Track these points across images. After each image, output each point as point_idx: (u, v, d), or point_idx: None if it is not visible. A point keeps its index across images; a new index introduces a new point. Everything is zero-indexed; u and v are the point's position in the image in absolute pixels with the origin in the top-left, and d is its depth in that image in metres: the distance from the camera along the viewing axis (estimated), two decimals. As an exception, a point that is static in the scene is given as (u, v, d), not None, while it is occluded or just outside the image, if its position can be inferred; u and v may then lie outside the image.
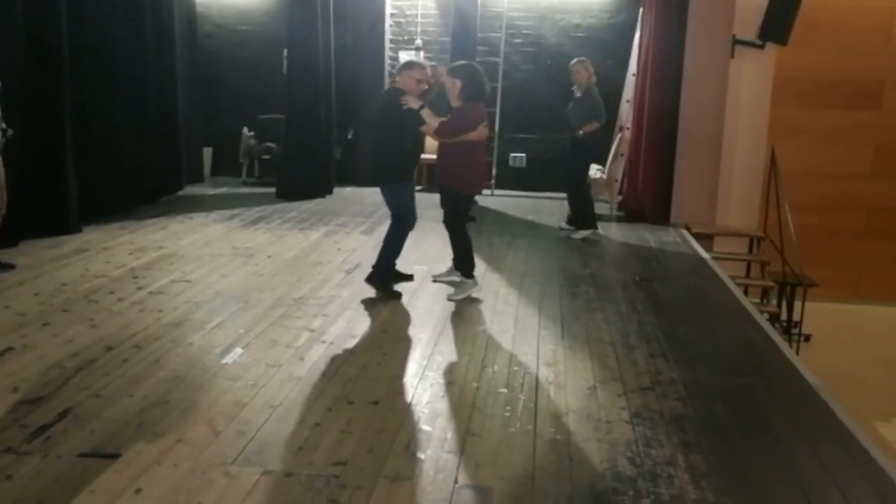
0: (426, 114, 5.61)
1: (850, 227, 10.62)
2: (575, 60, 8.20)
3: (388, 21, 11.18)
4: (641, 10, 9.86)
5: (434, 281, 6.15)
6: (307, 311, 5.36)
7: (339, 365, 4.39)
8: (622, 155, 9.89)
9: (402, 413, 3.79)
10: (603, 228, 8.83)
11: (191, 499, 2.94)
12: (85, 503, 2.89)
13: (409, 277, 6.07)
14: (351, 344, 4.76)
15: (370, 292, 5.82)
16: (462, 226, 5.95)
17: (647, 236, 8.55)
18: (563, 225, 8.54)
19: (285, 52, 10.24)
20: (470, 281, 5.87)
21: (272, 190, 10.21)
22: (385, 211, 6.09)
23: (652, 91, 9.14)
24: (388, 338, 4.92)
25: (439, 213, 5.97)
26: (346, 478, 3.13)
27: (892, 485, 3.28)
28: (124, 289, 5.75)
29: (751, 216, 9.15)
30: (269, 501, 2.96)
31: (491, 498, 3.03)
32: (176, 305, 5.38)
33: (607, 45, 10.64)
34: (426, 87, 5.90)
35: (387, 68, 11.18)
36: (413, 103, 5.60)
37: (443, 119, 5.70)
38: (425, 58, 10.90)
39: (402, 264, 6.06)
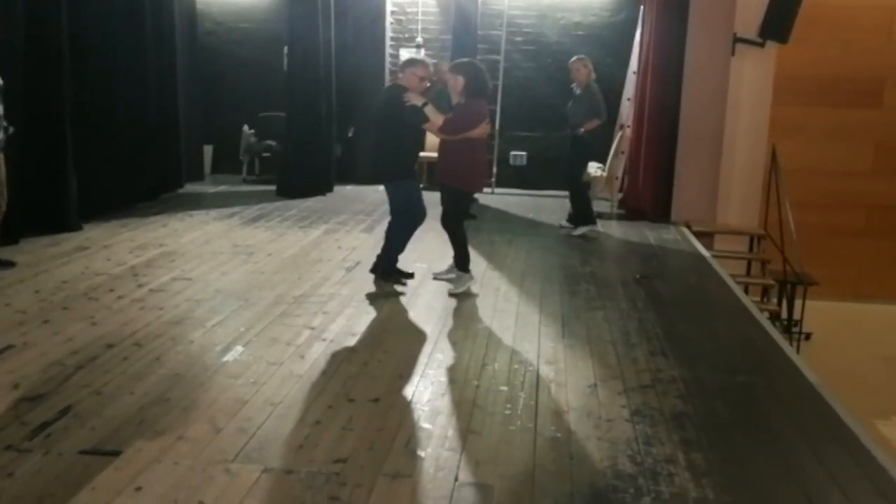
0: (430, 110, 5.61)
1: (850, 225, 10.62)
2: (574, 58, 8.20)
3: (388, 18, 11.17)
4: (642, 8, 9.85)
5: (434, 279, 6.15)
6: (307, 308, 5.36)
7: (340, 363, 4.39)
8: (623, 153, 9.89)
9: (402, 411, 3.79)
10: (603, 226, 8.84)
11: (191, 496, 2.95)
12: (86, 500, 2.90)
13: (410, 275, 6.07)
14: (351, 342, 4.76)
15: (371, 290, 5.82)
16: (460, 223, 5.97)
17: (647, 234, 8.55)
18: (564, 223, 8.55)
19: (286, 49, 10.23)
20: (466, 275, 5.91)
21: (272, 188, 10.21)
22: (385, 209, 6.09)
23: (653, 89, 9.14)
24: (389, 335, 4.92)
25: (438, 211, 5.98)
26: (346, 475, 3.13)
27: (893, 483, 3.28)
28: (125, 286, 5.75)
29: (751, 214, 9.14)
30: (269, 499, 2.96)
31: (491, 496, 3.03)
32: (176, 303, 5.38)
33: (608, 44, 10.62)
34: (428, 84, 5.89)
35: (387, 66, 11.17)
36: (416, 100, 5.60)
37: (446, 116, 5.70)
38: (426, 55, 10.89)
39: (402, 262, 6.07)
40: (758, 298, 8.78)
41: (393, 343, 4.77)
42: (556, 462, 3.32)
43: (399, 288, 5.87)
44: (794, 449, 3.58)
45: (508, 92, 10.74)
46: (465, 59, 6.16)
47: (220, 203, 9.34)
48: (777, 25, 8.72)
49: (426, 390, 4.05)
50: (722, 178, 8.99)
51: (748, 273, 9.06)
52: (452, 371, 4.33)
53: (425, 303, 5.62)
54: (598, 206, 9.64)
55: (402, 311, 5.46)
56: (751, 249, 9.13)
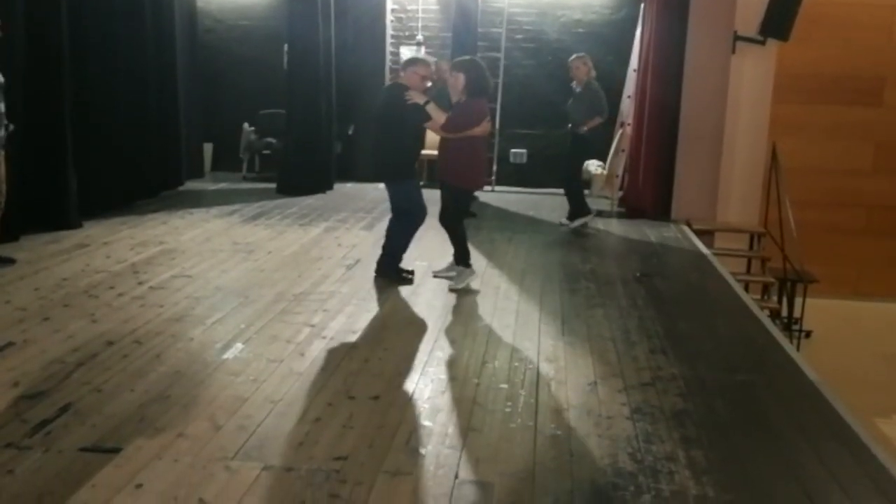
0: (432, 109, 5.60)
1: (850, 223, 10.62)
2: (573, 56, 8.20)
3: (388, 16, 11.16)
4: (643, 5, 9.84)
5: (435, 277, 6.15)
6: (308, 306, 5.36)
7: (340, 360, 4.39)
8: (623, 151, 9.89)
9: (402, 408, 3.79)
10: (603, 224, 8.84)
11: (191, 493, 2.95)
12: (86, 498, 2.90)
13: (410, 273, 6.07)
14: (351, 339, 4.76)
15: (371, 287, 5.82)
16: (459, 220, 5.96)
17: (647, 232, 8.54)
18: (564, 221, 8.54)
19: (286, 47, 10.22)
20: (468, 270, 5.91)
21: (273, 185, 10.21)
22: (385, 206, 6.09)
23: (653, 87, 9.13)
24: (389, 333, 4.92)
25: (438, 209, 5.97)
26: (346, 473, 3.13)
27: (893, 481, 3.28)
28: (125, 284, 5.75)
29: (751, 212, 9.14)
30: (269, 496, 2.96)
31: (491, 493, 3.03)
32: (176, 301, 5.38)
33: (608, 41, 10.62)
34: (430, 84, 5.88)
35: (387, 64, 11.17)
36: (418, 98, 5.59)
37: (448, 114, 5.69)
38: (426, 53, 10.89)
39: (403, 260, 6.06)
40: (758, 296, 8.78)
41: (393, 340, 4.77)
42: (557, 460, 3.32)
43: (408, 277, 5.90)
44: (794, 447, 3.58)
45: (509, 89, 10.74)
46: (466, 57, 6.15)
47: (221, 201, 9.34)
48: (778, 23, 8.72)
49: (426, 388, 4.05)
50: (722, 176, 8.99)
51: (748, 271, 9.06)
52: (453, 369, 4.33)
53: (425, 300, 5.62)
54: (599, 204, 9.66)
55: (403, 309, 5.46)
56: (751, 247, 9.13)
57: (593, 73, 8.09)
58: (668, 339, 4.98)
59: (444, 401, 3.90)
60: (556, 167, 9.86)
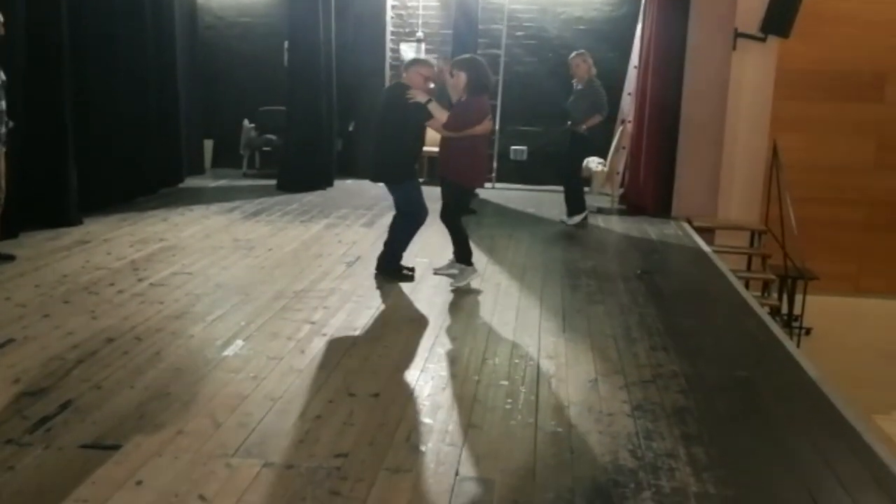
0: (434, 107, 5.57)
1: (851, 220, 10.62)
2: (574, 53, 8.18)
3: (389, 13, 11.15)
4: (643, 2, 9.83)
5: (435, 273, 6.14)
6: (308, 303, 5.35)
7: (340, 357, 4.39)
8: (623, 148, 9.88)
9: (403, 405, 3.79)
10: (604, 221, 8.84)
11: (192, 490, 2.95)
12: (86, 494, 2.89)
13: (410, 270, 6.06)
14: (352, 336, 4.76)
15: (371, 284, 5.82)
16: (459, 218, 5.95)
17: (648, 229, 8.54)
18: (564, 218, 8.53)
19: (286, 44, 10.22)
20: (469, 268, 5.89)
21: (273, 182, 10.20)
22: (386, 203, 6.09)
23: (654, 84, 9.12)
24: (389, 330, 4.92)
25: (438, 206, 5.96)
26: (347, 470, 3.13)
27: (892, 477, 3.28)
28: (125, 281, 5.74)
29: (752, 209, 9.14)
30: (270, 493, 2.96)
31: (492, 490, 3.03)
32: (177, 297, 5.37)
33: (609, 38, 10.59)
34: (432, 85, 5.86)
35: (388, 61, 11.16)
36: (420, 97, 5.56)
37: (450, 113, 5.67)
38: (426, 50, 10.89)
39: (403, 257, 6.06)
40: (758, 293, 8.79)
41: (393, 338, 4.77)
42: (557, 457, 3.32)
43: (408, 274, 5.90)
44: (795, 443, 3.57)
45: (509, 87, 10.72)
46: (467, 56, 6.12)
47: (221, 197, 9.33)
48: (778, 20, 8.72)
49: (427, 385, 4.05)
50: (723, 173, 8.99)
51: (749, 268, 9.06)
52: (453, 365, 4.33)
53: (426, 298, 5.62)
54: (599, 201, 9.66)
55: (403, 306, 5.46)
56: (751, 244, 9.13)
57: (594, 71, 8.07)
58: (669, 336, 4.98)
59: (445, 398, 3.90)
60: (557, 164, 9.85)
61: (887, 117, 10.48)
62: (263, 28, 11.31)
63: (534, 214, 9.16)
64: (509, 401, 3.87)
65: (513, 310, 5.41)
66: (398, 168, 5.74)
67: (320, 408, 3.71)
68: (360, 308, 5.31)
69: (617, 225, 8.75)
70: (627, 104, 10.16)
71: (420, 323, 5.08)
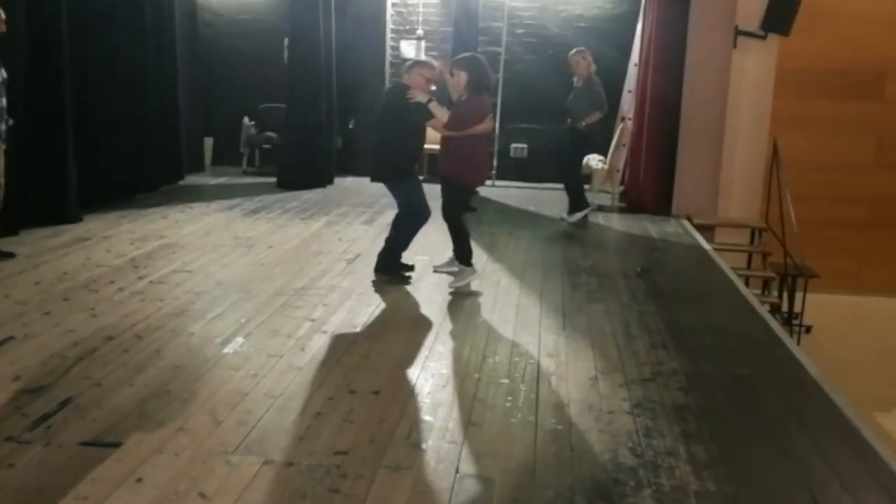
0: (434, 107, 5.54)
1: (851, 217, 10.60)
2: (573, 51, 8.18)
3: (389, 11, 11.13)
4: (644, 0, 9.82)
5: (435, 271, 6.14)
6: (308, 300, 5.35)
7: (341, 355, 4.39)
8: (624, 145, 9.87)
9: (403, 403, 3.79)
10: (604, 219, 8.83)
11: (192, 488, 2.95)
12: (86, 492, 2.89)
13: (410, 268, 6.05)
14: (352, 334, 4.76)
15: (371, 282, 5.81)
16: (460, 217, 5.93)
17: (648, 227, 8.54)
18: (564, 215, 8.53)
19: (286, 41, 10.21)
20: (469, 269, 5.85)
21: (273, 180, 10.19)
22: (386, 201, 6.08)
23: (654, 81, 9.11)
24: (390, 328, 4.92)
25: (438, 203, 5.95)
26: (347, 467, 3.13)
27: (892, 475, 3.28)
28: (125, 278, 5.74)
29: (752, 207, 9.14)
30: (270, 490, 2.96)
31: (492, 488, 3.03)
32: (177, 295, 5.37)
33: (610, 36, 10.58)
34: (434, 87, 5.84)
35: (388, 58, 11.15)
36: (421, 96, 5.54)
37: (451, 112, 5.65)
38: (426, 48, 10.88)
39: (403, 254, 6.05)
40: (759, 291, 8.78)
41: (394, 335, 4.77)
42: (557, 454, 3.32)
43: (407, 275, 5.88)
44: (795, 441, 3.58)
45: (509, 84, 10.70)
46: (467, 54, 6.07)
47: (221, 195, 9.33)
48: (779, 18, 8.70)
49: (427, 382, 4.05)
50: (723, 170, 8.98)
51: (749, 266, 9.06)
52: (453, 363, 4.33)
53: (426, 295, 5.62)
54: (600, 199, 9.65)
55: (403, 304, 5.46)
56: (752, 242, 9.13)
57: (594, 68, 8.07)
58: (669, 334, 4.98)
59: (445, 395, 3.90)
60: (557, 162, 9.85)
61: (888, 115, 10.45)
62: (263, 25, 11.28)
63: (534, 212, 9.15)
64: (509, 399, 3.88)
65: (513, 308, 5.41)
66: (398, 168, 5.71)
67: (320, 405, 3.71)
68: (361, 305, 5.31)
69: (617, 223, 8.75)
70: (628, 102, 10.15)
71: (420, 320, 5.08)
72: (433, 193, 5.98)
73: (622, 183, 9.99)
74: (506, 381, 4.11)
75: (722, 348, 4.92)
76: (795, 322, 9.08)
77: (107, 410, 3.57)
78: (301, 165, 10.00)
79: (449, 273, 6.00)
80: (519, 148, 11.15)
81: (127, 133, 8.66)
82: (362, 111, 10.69)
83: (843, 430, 3.73)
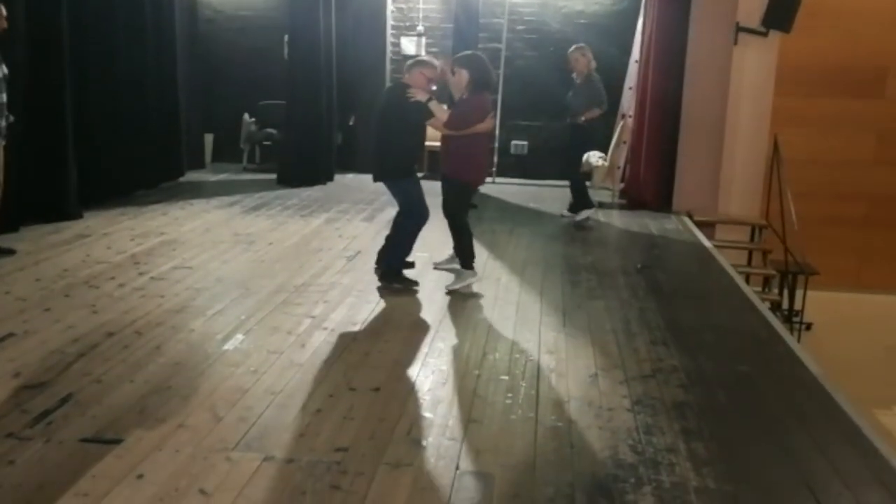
0: (434, 106, 5.50)
1: (852, 215, 10.60)
2: (573, 48, 8.16)
3: (389, 7, 11.13)
4: (644, -4, 9.82)
5: (435, 268, 6.14)
6: (308, 297, 5.35)
7: (341, 352, 4.39)
8: (624, 142, 9.87)
9: (403, 400, 3.79)
10: (604, 216, 8.83)
11: (192, 484, 2.95)
12: (86, 488, 2.90)
13: (411, 265, 6.04)
14: (352, 331, 4.76)
15: (372, 279, 5.79)
16: (463, 216, 5.88)
17: (648, 224, 8.53)
18: (565, 212, 8.54)
19: (286, 37, 10.20)
20: (469, 272, 5.74)
21: (273, 176, 10.20)
22: (386, 198, 6.07)
23: (654, 78, 9.11)
24: (390, 325, 4.92)
25: (439, 201, 5.93)
26: (347, 464, 3.13)
27: (893, 472, 3.28)
28: (125, 275, 5.74)
29: (753, 204, 9.13)
30: (270, 487, 2.96)
31: (492, 485, 3.03)
32: (177, 292, 5.37)
33: (610, 32, 10.57)
34: (435, 87, 5.81)
35: (388, 55, 11.14)
36: (421, 95, 5.51)
37: (451, 111, 5.62)
38: (427, 45, 10.87)
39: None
40: (759, 288, 8.78)
41: (394, 332, 4.77)
42: (557, 451, 3.32)
43: (412, 287, 5.70)
44: (795, 438, 3.58)
45: (510, 81, 10.69)
46: (468, 52, 6.01)
47: (221, 191, 9.33)
48: (780, 15, 8.69)
49: (427, 379, 4.05)
50: (724, 167, 8.97)
51: (749, 263, 9.05)
52: (453, 360, 4.33)
53: (426, 292, 5.61)
54: (600, 195, 9.64)
55: (403, 301, 5.45)
56: (752, 239, 9.12)
57: (593, 65, 8.06)
58: (669, 331, 4.98)
59: (445, 392, 3.90)
60: (558, 159, 9.84)
61: (888, 112, 10.45)
62: (263, 22, 11.28)
63: (534, 209, 9.15)
64: (509, 395, 3.88)
65: (513, 305, 5.41)
66: (397, 167, 5.67)
67: (321, 402, 3.71)
68: (361, 302, 5.30)
69: (617, 219, 8.75)
70: (628, 99, 10.14)
71: (420, 318, 5.08)
72: (433, 191, 5.96)
73: (623, 180, 9.98)
74: (506, 377, 4.11)
75: (722, 345, 4.92)
76: (796, 319, 9.08)
77: (107, 407, 3.57)
78: (301, 162, 10.00)
79: (449, 270, 5.98)
80: (519, 145, 11.15)
81: (127, 130, 8.66)
82: (362, 108, 10.70)
83: (843, 427, 3.73)
